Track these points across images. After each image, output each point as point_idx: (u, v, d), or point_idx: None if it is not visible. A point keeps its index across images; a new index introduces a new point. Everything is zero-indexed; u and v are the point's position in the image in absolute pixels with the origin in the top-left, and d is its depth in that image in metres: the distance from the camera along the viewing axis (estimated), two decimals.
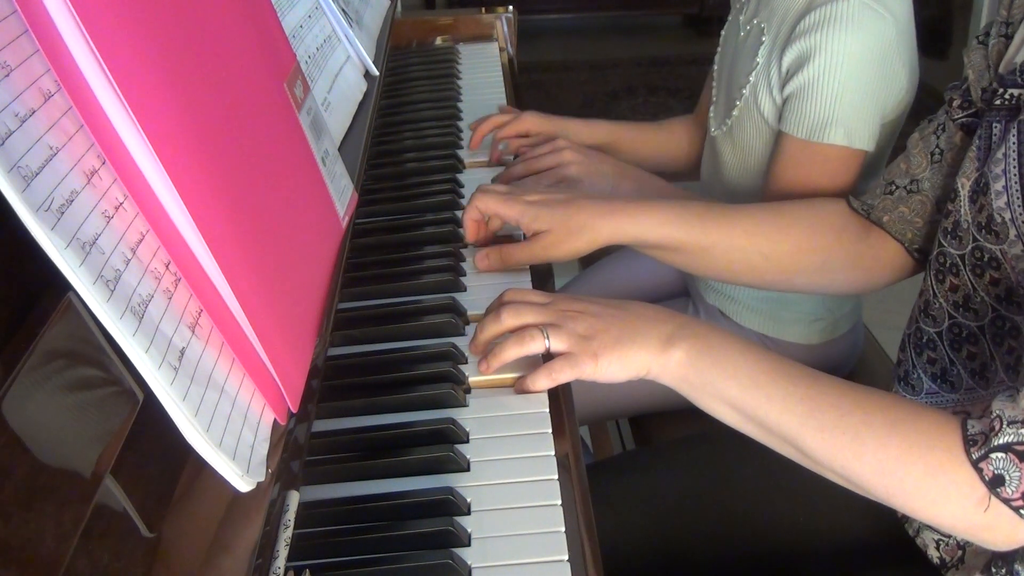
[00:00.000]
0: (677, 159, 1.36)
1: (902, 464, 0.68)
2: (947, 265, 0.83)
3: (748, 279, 0.99)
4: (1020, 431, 0.64)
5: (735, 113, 1.15)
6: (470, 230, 0.99)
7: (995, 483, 0.64)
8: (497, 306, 0.83)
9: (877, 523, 0.92)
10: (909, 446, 0.68)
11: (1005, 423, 0.64)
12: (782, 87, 1.07)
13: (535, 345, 0.78)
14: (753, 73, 1.11)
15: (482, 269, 0.98)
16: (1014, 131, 0.74)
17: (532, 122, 1.25)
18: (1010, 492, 0.64)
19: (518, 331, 0.79)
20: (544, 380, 0.79)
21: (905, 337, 0.92)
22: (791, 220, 0.97)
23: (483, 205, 0.96)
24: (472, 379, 0.83)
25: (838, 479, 0.73)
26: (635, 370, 0.77)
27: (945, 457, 0.66)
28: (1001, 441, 0.64)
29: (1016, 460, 0.64)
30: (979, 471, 0.65)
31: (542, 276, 0.98)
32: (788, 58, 1.05)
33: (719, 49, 1.25)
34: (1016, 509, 0.64)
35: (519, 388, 0.81)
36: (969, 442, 0.66)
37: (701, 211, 0.95)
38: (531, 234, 0.95)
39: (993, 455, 0.64)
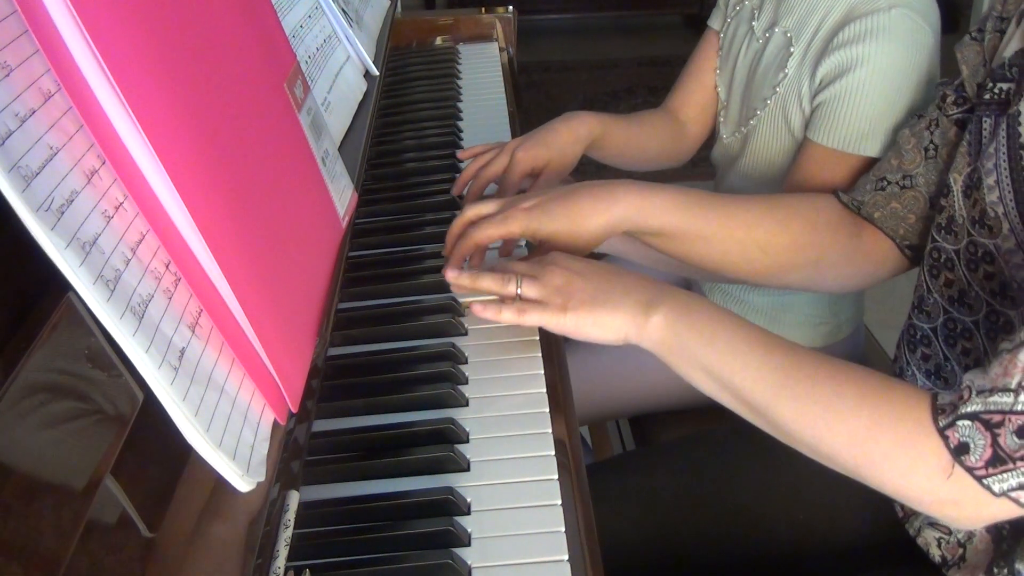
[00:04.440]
0: (654, 156, 1.30)
1: (872, 435, 0.68)
2: (941, 260, 0.83)
3: (744, 272, 0.98)
4: (988, 400, 0.63)
5: (752, 122, 1.14)
6: (455, 265, 0.89)
7: (959, 451, 0.64)
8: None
9: (877, 522, 0.92)
10: (880, 417, 0.68)
11: (974, 392, 0.64)
12: (813, 96, 1.06)
13: (508, 287, 0.81)
14: (781, 85, 1.10)
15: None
16: (1004, 126, 0.74)
17: (522, 154, 1.06)
18: (973, 460, 0.64)
19: (500, 270, 0.83)
20: (510, 315, 0.81)
21: (900, 334, 0.92)
22: (788, 214, 0.96)
23: (483, 237, 0.90)
24: (473, 378, 0.83)
25: (811, 452, 0.73)
26: (612, 332, 0.78)
27: (914, 428, 0.66)
28: (968, 409, 0.64)
29: (982, 429, 0.63)
30: (945, 439, 0.65)
31: None
32: (824, 68, 1.03)
33: (720, 53, 1.24)
34: (979, 479, 0.64)
35: (489, 314, 0.82)
36: (937, 411, 0.66)
37: (703, 199, 0.94)
38: (537, 242, 0.92)
39: (960, 423, 0.64)
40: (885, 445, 0.68)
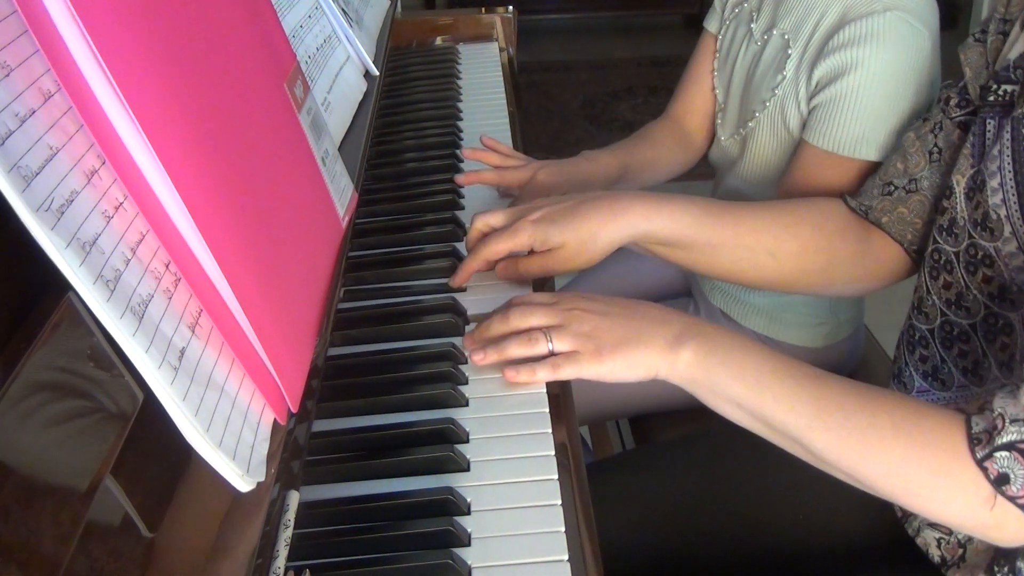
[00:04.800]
0: (664, 170, 1.30)
1: (908, 465, 0.68)
2: (941, 262, 0.83)
3: (751, 278, 0.98)
4: (1023, 429, 0.64)
5: (751, 124, 1.14)
6: (464, 278, 0.93)
7: (1000, 481, 0.65)
8: (505, 307, 0.83)
9: (877, 522, 0.92)
10: (915, 446, 0.68)
11: (1008, 421, 0.64)
12: (809, 99, 1.06)
13: (538, 347, 0.79)
14: (780, 87, 1.10)
15: (501, 278, 0.95)
16: (1008, 128, 0.74)
17: (543, 176, 1.09)
18: (1015, 490, 0.64)
19: (524, 331, 0.80)
20: (545, 373, 0.79)
21: (900, 334, 0.92)
22: (797, 219, 0.96)
23: (492, 253, 0.90)
24: (473, 378, 0.83)
25: (846, 478, 0.73)
26: (643, 371, 0.77)
27: (950, 457, 0.67)
28: (1005, 440, 0.64)
29: (1020, 458, 0.64)
30: (984, 470, 0.65)
31: (542, 278, 0.98)
32: (820, 71, 1.03)
33: (716, 55, 1.24)
34: (1022, 507, 0.64)
35: (523, 377, 0.80)
36: (973, 441, 0.66)
37: (711, 207, 0.93)
38: (544, 251, 0.91)
39: (997, 454, 0.65)
40: (923, 475, 0.68)
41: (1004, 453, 0.64)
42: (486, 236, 0.92)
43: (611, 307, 0.80)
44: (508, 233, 0.90)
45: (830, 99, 1.02)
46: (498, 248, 0.90)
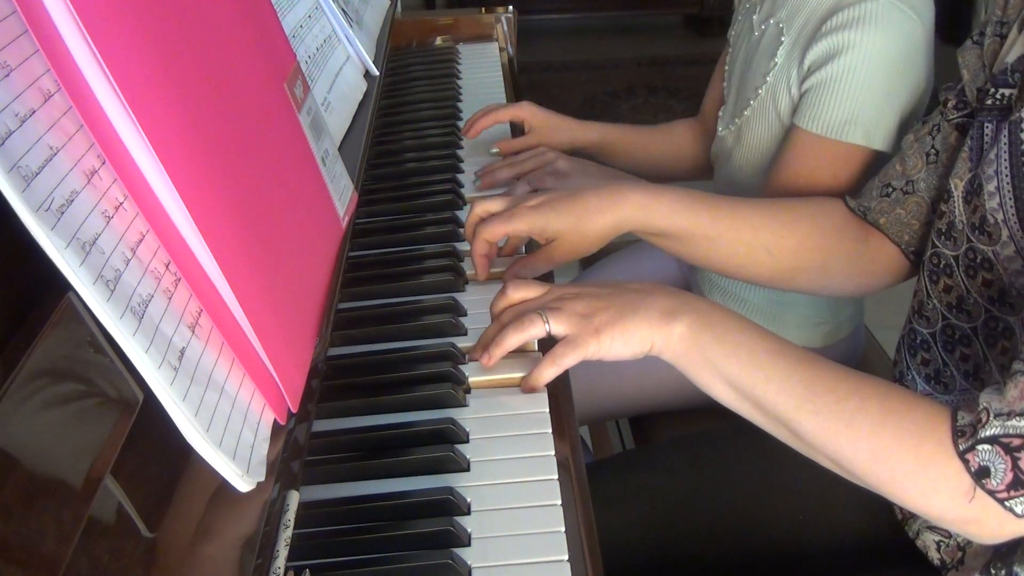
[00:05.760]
0: (680, 162, 1.34)
1: (894, 453, 0.68)
2: (941, 266, 0.83)
3: (748, 273, 0.98)
4: (1006, 423, 0.64)
5: (747, 113, 1.15)
6: (481, 266, 0.94)
7: (980, 475, 0.65)
8: (499, 310, 0.83)
9: (877, 523, 0.92)
10: (901, 436, 0.68)
11: (992, 415, 0.64)
12: (801, 83, 1.07)
13: (535, 329, 0.77)
14: (771, 74, 1.10)
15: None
16: (1005, 132, 0.74)
17: (528, 110, 1.24)
18: (995, 484, 0.64)
19: (517, 317, 0.79)
20: (549, 369, 0.78)
21: (900, 338, 0.92)
22: (796, 216, 0.96)
23: (490, 234, 0.91)
24: (472, 379, 0.83)
25: (830, 464, 0.73)
26: (638, 345, 0.76)
27: (935, 448, 0.67)
28: (987, 433, 0.64)
29: (1001, 452, 0.64)
30: (965, 463, 0.65)
31: (542, 277, 0.98)
32: (812, 55, 1.04)
33: (729, 50, 1.25)
34: (1001, 501, 0.64)
35: (527, 387, 0.80)
36: (957, 433, 0.66)
37: (709, 201, 0.94)
38: (544, 240, 0.92)
39: (979, 447, 0.65)
40: (907, 465, 0.68)
41: (986, 446, 0.64)
42: (484, 221, 0.92)
43: (602, 288, 0.80)
44: (506, 216, 0.91)
45: (820, 82, 1.03)
46: (496, 230, 0.91)
